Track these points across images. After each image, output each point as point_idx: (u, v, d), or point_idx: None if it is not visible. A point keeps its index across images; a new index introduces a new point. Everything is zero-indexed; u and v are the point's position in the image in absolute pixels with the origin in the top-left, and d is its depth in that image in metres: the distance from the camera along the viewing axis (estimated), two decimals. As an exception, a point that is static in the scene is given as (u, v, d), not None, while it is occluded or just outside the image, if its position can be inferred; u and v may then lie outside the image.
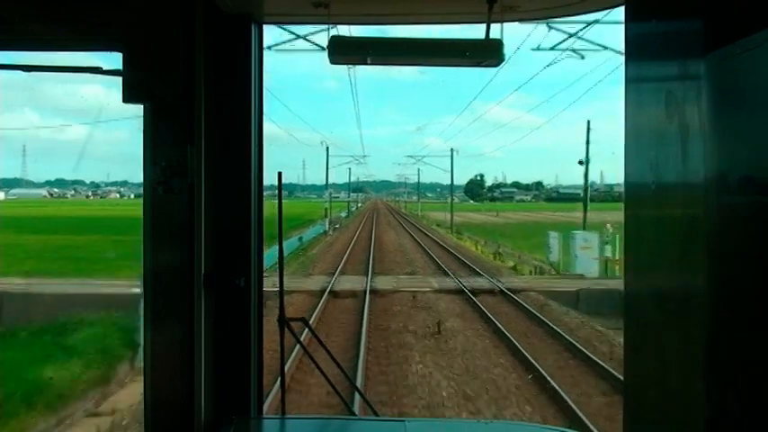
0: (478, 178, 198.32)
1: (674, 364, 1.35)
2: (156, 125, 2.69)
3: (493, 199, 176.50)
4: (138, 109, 2.71)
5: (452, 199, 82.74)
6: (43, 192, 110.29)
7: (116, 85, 2.63)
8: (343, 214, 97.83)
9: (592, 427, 10.19)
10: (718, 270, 1.18)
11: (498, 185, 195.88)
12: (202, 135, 2.72)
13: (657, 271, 1.45)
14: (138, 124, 2.70)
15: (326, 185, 70.14)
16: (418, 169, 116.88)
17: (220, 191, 2.89)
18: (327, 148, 66.25)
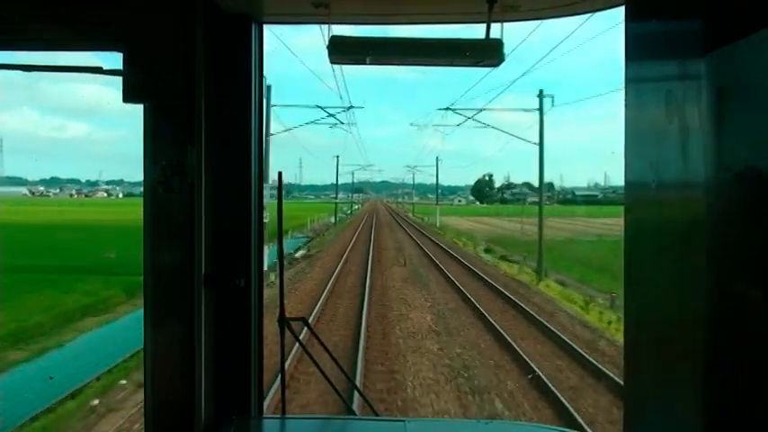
0: (487, 178, 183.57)
1: (674, 364, 1.35)
2: (156, 125, 2.69)
3: (504, 201, 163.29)
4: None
5: (542, 201, 39.22)
6: (24, 190, 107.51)
7: (115, 84, 2.62)
8: (333, 219, 74.36)
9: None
10: (718, 270, 1.18)
11: (509, 186, 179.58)
12: (202, 135, 2.72)
13: (658, 271, 1.45)
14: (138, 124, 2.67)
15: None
16: (436, 159, 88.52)
17: (220, 191, 2.89)
18: (269, 87, 29.73)
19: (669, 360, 1.37)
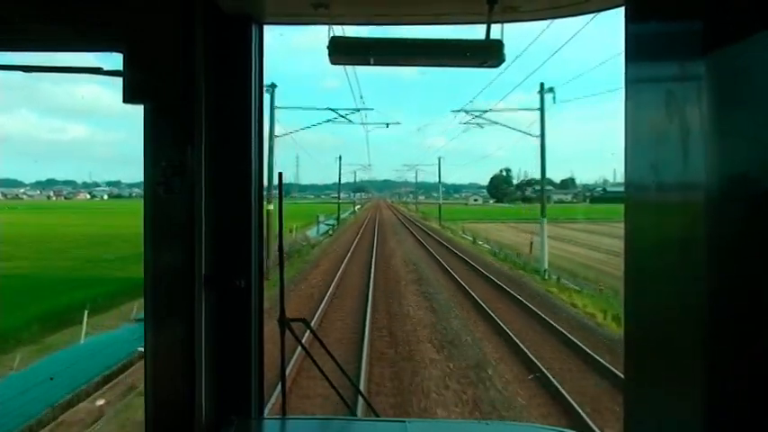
0: (504, 174, 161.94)
1: (674, 364, 1.35)
2: (156, 125, 2.69)
3: (526, 199, 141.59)
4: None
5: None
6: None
7: (112, 85, 2.62)
8: (308, 236, 42.88)
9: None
10: (718, 270, 1.18)
11: (529, 182, 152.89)
12: (203, 135, 2.72)
13: (658, 271, 1.45)
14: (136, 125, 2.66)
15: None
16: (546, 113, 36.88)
17: (220, 191, 2.90)
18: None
19: (669, 360, 1.37)
